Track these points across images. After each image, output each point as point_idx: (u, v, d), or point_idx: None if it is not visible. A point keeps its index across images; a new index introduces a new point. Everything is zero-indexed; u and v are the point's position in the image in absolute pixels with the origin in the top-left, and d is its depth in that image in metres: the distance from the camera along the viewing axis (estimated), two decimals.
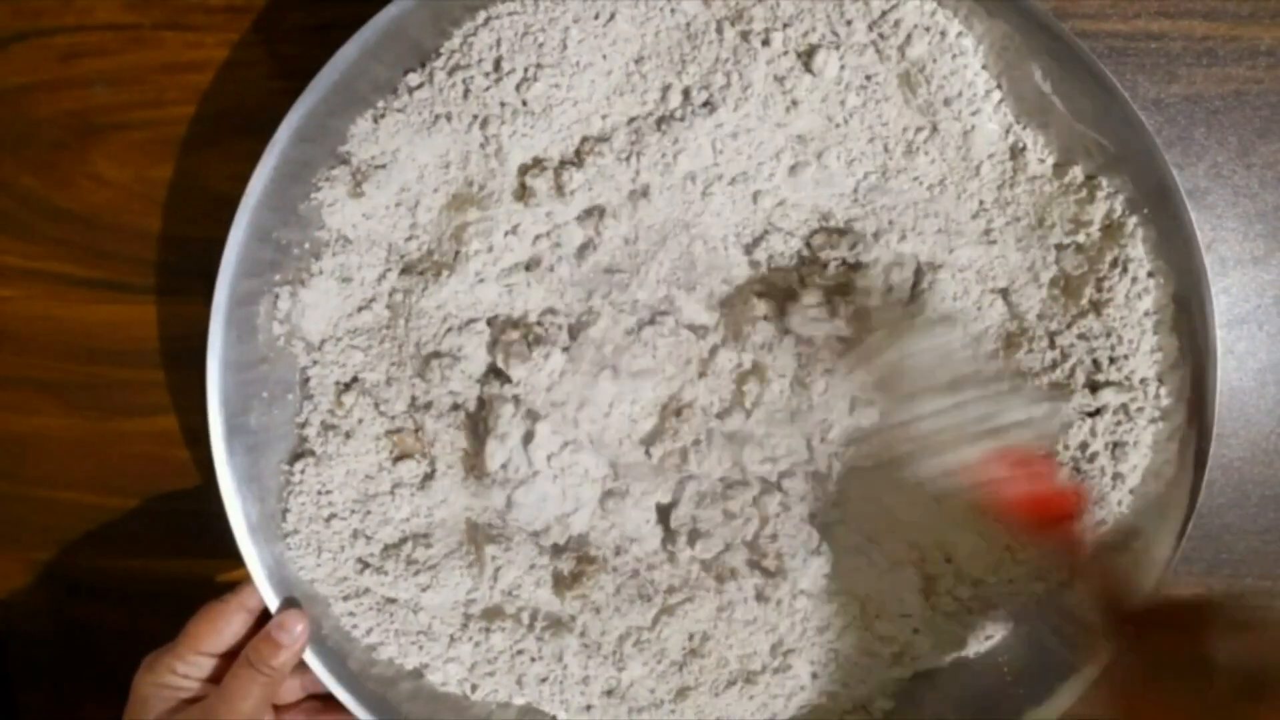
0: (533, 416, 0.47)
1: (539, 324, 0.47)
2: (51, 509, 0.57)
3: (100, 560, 0.57)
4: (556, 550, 0.48)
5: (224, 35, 0.51)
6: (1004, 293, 0.46)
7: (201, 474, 0.55)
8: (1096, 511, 0.45)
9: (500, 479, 0.47)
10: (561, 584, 0.48)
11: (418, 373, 0.47)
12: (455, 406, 0.48)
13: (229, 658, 0.47)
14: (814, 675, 0.49)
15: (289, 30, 0.50)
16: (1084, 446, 0.45)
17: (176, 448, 0.55)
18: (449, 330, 0.47)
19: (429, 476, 0.48)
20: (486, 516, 0.48)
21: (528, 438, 0.47)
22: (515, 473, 0.47)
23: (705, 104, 0.45)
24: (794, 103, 0.44)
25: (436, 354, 0.47)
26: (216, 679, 0.46)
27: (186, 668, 0.46)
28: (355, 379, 0.48)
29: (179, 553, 0.56)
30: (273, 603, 0.47)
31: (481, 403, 0.48)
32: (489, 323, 0.48)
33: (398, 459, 0.48)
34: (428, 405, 0.48)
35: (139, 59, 0.52)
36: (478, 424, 0.48)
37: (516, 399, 0.47)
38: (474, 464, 0.48)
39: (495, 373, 0.48)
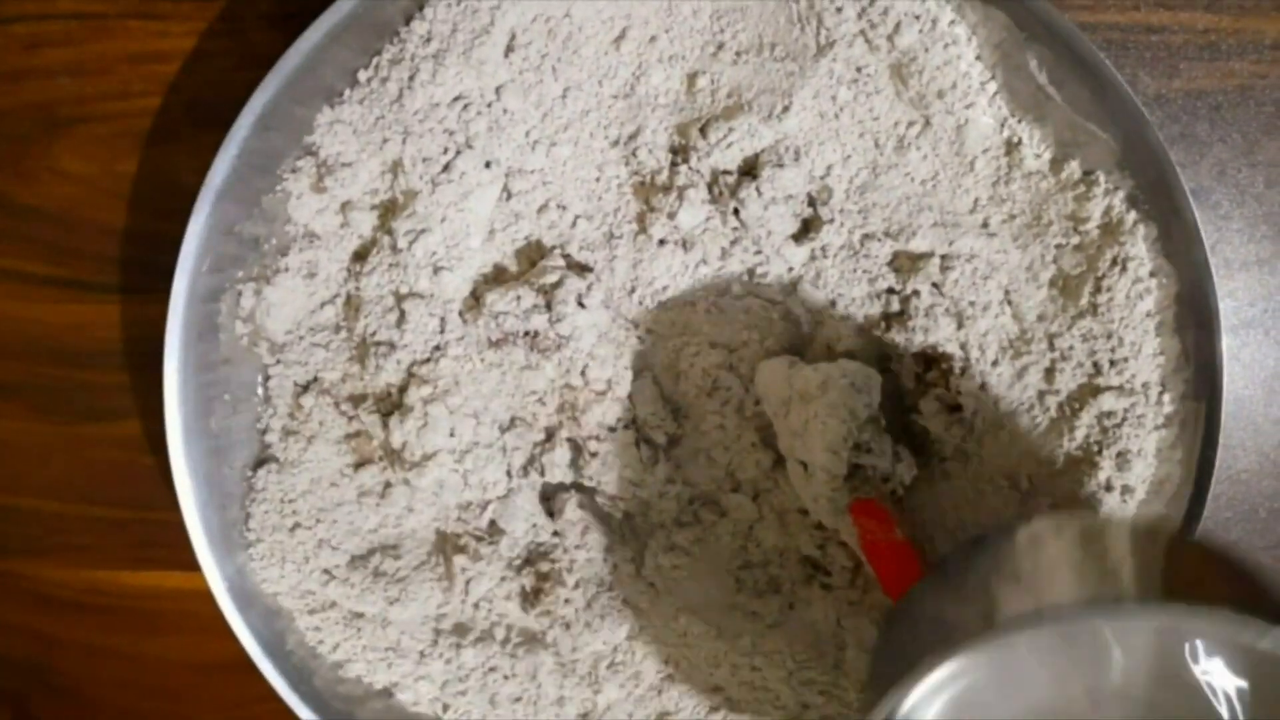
0: (439, 398, 0.44)
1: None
2: (13, 518, 0.55)
3: (65, 572, 0.55)
4: (523, 564, 0.46)
5: (191, 24, 0.49)
6: (1005, 293, 0.44)
7: (167, 482, 0.53)
8: None
9: (399, 461, 0.45)
10: (527, 600, 0.46)
11: (360, 364, 0.45)
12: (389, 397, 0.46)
13: None
14: (804, 706, 0.46)
15: (258, 19, 0.49)
16: (1089, 459, 0.43)
17: (142, 454, 0.53)
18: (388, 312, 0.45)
19: (390, 484, 0.46)
20: (455, 526, 0.46)
21: (425, 417, 0.44)
22: (412, 455, 0.44)
23: None
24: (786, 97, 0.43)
25: (377, 342, 0.45)
26: None
27: None
28: (315, 379, 0.46)
29: (148, 564, 0.54)
30: (233, 615, 0.45)
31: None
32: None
33: (358, 465, 0.46)
34: (364, 398, 0.46)
35: (104, 49, 0.50)
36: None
37: (424, 379, 0.44)
38: (386, 452, 0.45)
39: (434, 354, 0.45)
